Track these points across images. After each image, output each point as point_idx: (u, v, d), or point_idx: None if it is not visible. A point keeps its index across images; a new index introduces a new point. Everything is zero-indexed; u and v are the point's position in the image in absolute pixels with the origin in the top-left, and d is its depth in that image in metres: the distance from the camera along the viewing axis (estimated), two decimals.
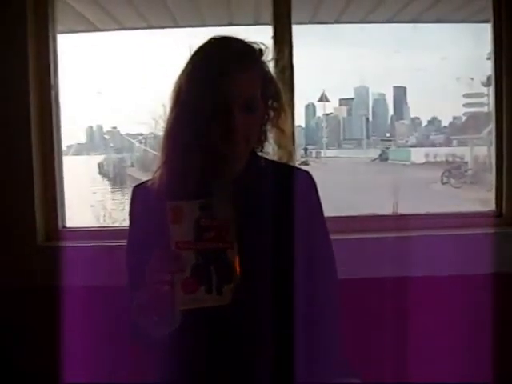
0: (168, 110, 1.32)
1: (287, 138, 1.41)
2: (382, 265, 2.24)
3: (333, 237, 2.20)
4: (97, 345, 2.05)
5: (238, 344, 1.33)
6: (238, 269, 1.15)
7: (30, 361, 2.21)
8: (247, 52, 1.32)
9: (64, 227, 2.41)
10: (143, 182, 1.40)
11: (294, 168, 1.46)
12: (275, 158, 1.44)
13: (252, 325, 1.33)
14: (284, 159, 1.43)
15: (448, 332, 2.26)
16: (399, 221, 2.43)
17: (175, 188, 1.28)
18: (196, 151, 1.28)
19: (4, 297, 2.20)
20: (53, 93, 2.35)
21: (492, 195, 2.51)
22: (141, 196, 1.41)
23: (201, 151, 1.29)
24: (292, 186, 1.38)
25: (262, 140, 1.40)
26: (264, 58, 1.35)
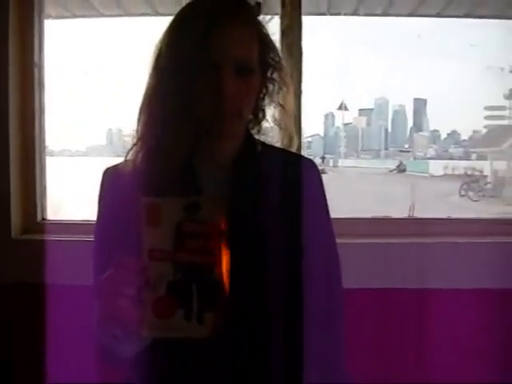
0: (148, 76, 1.11)
1: (289, 118, 1.19)
2: (393, 274, 2.02)
3: (346, 241, 2.07)
4: (75, 347, 1.85)
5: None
6: (226, 291, 0.90)
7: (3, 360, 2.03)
8: (240, 4, 1.10)
9: (44, 219, 2.22)
10: (117, 164, 1.18)
11: (296, 156, 1.24)
12: (274, 142, 1.22)
13: (240, 363, 1.10)
14: (284, 143, 1.22)
15: (470, 353, 2.04)
16: (415, 225, 2.21)
17: (152, 175, 1.06)
18: (177, 124, 1.07)
19: None
20: (36, 71, 2.16)
21: (511, 209, 2.30)
22: (112, 181, 1.17)
23: (184, 125, 1.07)
24: (295, 179, 1.16)
25: (258, 118, 1.19)
26: (262, 19, 1.13)
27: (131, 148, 1.12)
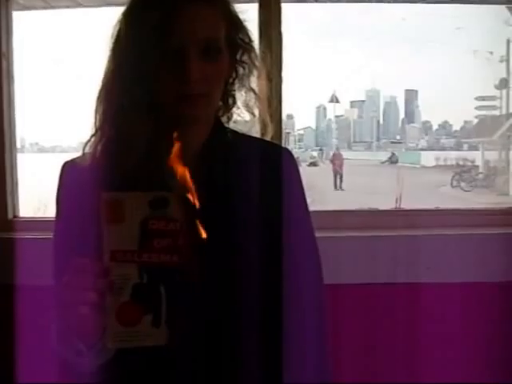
0: (105, 61, 1.02)
1: (261, 104, 1.11)
2: (381, 268, 1.95)
3: (329, 234, 2.01)
4: (47, 351, 1.77)
5: None
6: (197, 293, 0.86)
7: None
8: None
9: (15, 217, 2.12)
10: (75, 158, 1.09)
11: (271, 144, 1.16)
12: (246, 131, 1.14)
13: (211, 367, 1.03)
14: (257, 131, 1.13)
15: (456, 350, 1.98)
16: (404, 217, 2.13)
17: (113, 168, 0.99)
18: (140, 113, 0.99)
19: None
20: (4, 62, 2.06)
21: (503, 199, 2.22)
22: (71, 176, 1.09)
23: (147, 113, 0.99)
24: (269, 169, 1.08)
25: (228, 105, 1.11)
26: None
27: (89, 140, 1.03)
